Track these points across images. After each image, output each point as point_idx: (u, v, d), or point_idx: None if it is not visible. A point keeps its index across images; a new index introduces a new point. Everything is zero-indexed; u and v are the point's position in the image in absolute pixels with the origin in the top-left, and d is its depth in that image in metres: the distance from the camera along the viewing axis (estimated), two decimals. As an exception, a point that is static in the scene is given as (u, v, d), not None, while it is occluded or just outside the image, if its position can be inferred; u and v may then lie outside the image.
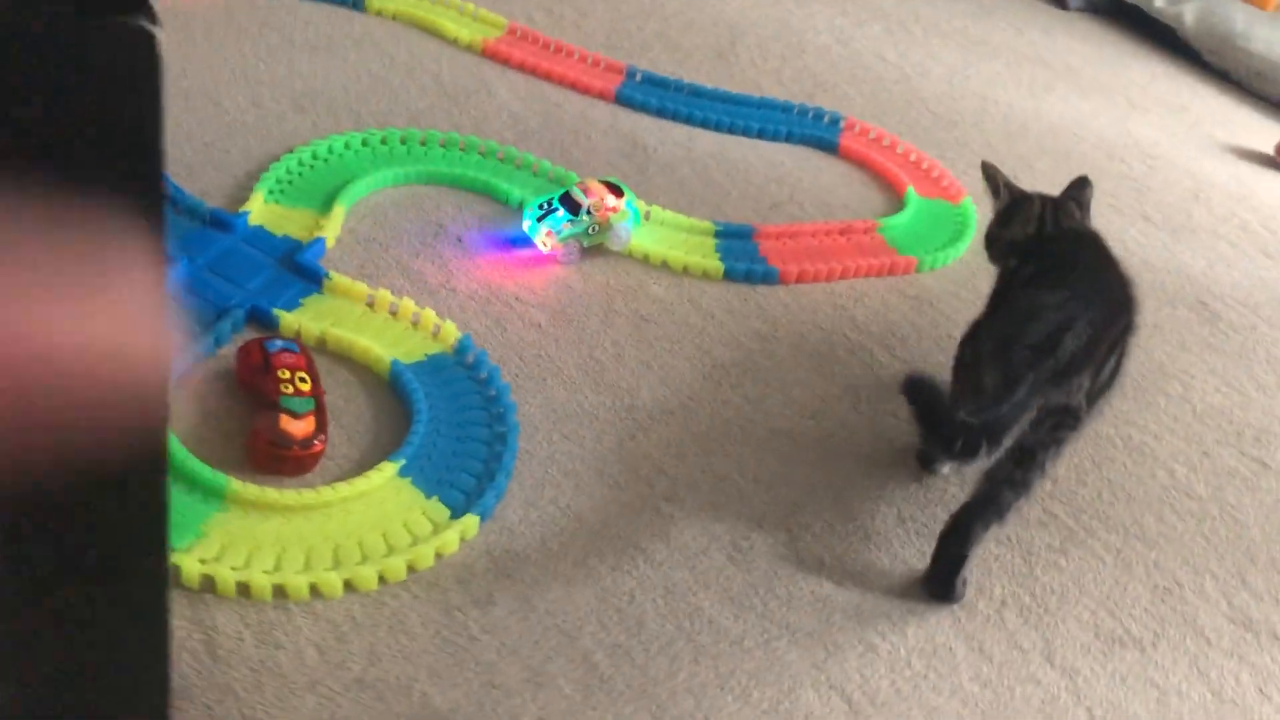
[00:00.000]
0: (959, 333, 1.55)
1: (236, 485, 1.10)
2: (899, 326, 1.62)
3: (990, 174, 1.48)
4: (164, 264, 0.62)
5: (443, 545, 1.11)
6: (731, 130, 1.98)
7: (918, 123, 2.21)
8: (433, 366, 1.31)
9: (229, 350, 1.27)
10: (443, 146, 1.69)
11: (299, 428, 1.15)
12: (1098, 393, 1.27)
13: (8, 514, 0.67)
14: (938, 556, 1.21)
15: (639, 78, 2.03)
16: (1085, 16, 3.12)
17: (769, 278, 1.62)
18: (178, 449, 1.12)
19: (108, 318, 0.55)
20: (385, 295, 1.37)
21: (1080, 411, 1.23)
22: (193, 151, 1.57)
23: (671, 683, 1.06)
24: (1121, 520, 1.38)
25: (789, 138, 2.00)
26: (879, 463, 1.37)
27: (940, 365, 1.52)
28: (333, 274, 1.38)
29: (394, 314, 1.36)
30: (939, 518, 1.29)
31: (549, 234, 1.51)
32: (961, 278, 1.74)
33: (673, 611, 1.12)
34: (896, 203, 1.90)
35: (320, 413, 1.18)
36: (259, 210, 1.46)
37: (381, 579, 1.07)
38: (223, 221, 1.41)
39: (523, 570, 1.12)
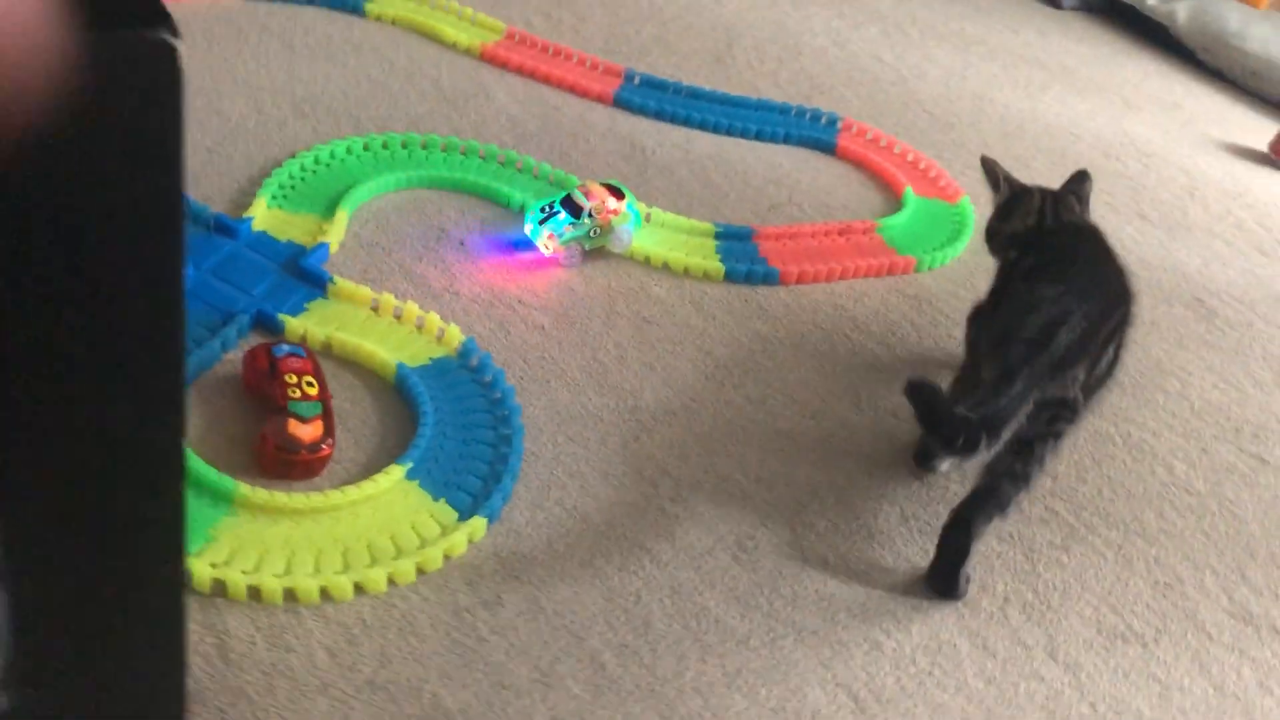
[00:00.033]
0: (959, 332, 1.58)
1: (245, 489, 1.10)
2: (899, 326, 1.63)
3: (990, 168, 1.51)
4: (183, 272, 0.63)
5: (451, 547, 1.12)
6: (730, 132, 1.99)
7: (914, 124, 2.22)
8: (438, 370, 1.31)
9: (235, 355, 1.27)
10: (443, 151, 1.70)
11: (307, 432, 1.15)
12: (1095, 385, 1.29)
13: (26, 520, 0.68)
14: (940, 551, 1.22)
15: (637, 81, 2.04)
16: (1079, 16, 3.13)
17: (769, 278, 1.63)
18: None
19: None
20: (389, 299, 1.38)
21: (1077, 404, 1.25)
22: (195, 157, 1.58)
23: (679, 681, 1.07)
24: (1122, 517, 1.39)
25: (787, 139, 2.01)
26: (881, 462, 1.38)
27: (941, 363, 1.54)
28: (337, 279, 1.39)
29: (398, 318, 1.37)
30: (941, 515, 1.30)
31: (551, 237, 1.52)
32: (960, 277, 1.75)
33: (679, 611, 1.13)
34: (894, 203, 1.91)
35: (328, 417, 1.18)
36: (262, 215, 1.47)
37: (391, 581, 1.08)
38: (227, 227, 1.42)
39: (530, 571, 1.13)
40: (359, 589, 1.07)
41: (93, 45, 0.53)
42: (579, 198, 1.55)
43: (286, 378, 1.20)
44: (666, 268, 1.60)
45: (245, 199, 1.51)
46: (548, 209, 1.54)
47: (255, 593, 1.04)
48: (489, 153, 1.71)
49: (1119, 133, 2.44)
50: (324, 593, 1.05)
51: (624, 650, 1.08)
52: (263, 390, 1.21)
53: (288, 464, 1.15)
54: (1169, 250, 2.02)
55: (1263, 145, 2.53)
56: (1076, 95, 2.59)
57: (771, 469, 1.32)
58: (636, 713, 1.03)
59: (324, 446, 1.16)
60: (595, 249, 1.57)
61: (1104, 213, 2.02)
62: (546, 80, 1.99)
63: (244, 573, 1.05)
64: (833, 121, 2.08)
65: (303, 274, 1.39)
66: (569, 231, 1.53)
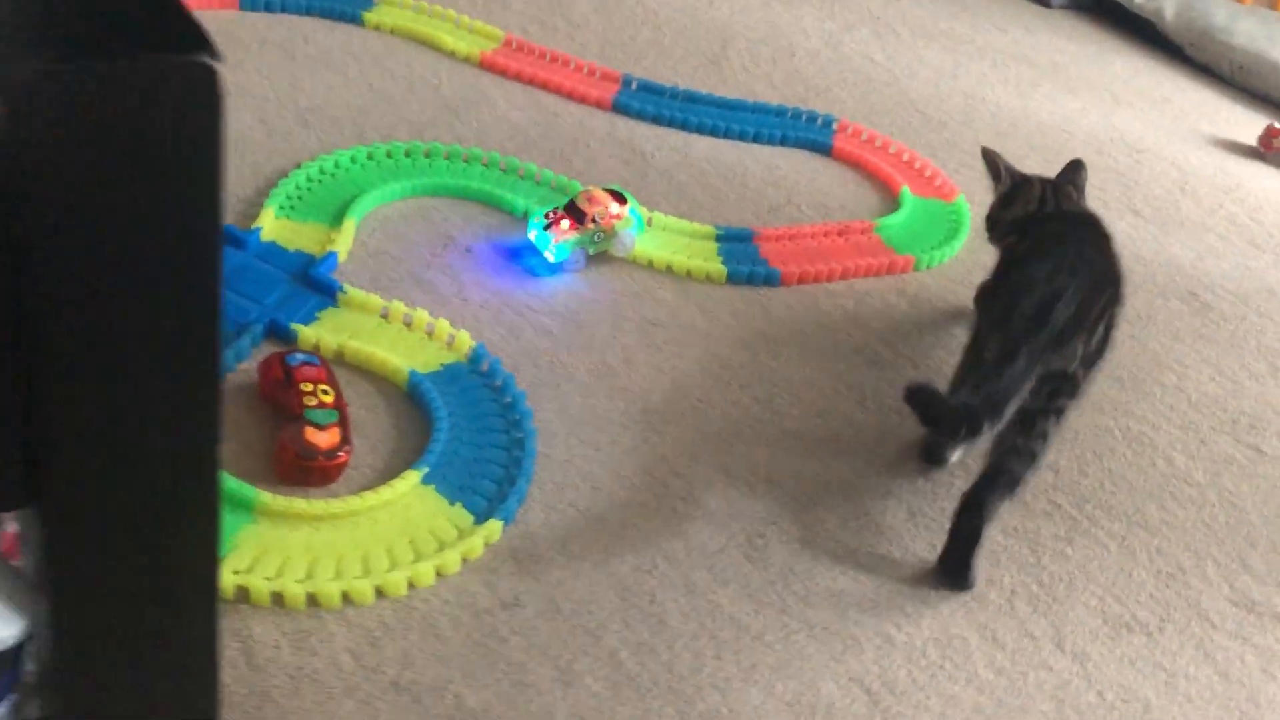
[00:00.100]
0: (959, 329, 1.60)
1: (266, 497, 1.12)
2: (900, 324, 1.65)
3: (991, 159, 1.56)
4: (221, 287, 0.64)
5: (468, 550, 1.13)
6: (727, 135, 2.01)
7: (908, 123, 2.24)
8: (449, 375, 1.33)
9: (249, 365, 1.29)
10: (447, 159, 1.72)
11: (324, 439, 1.17)
12: (1090, 361, 1.32)
13: (68, 529, 0.70)
14: (953, 536, 1.24)
15: (635, 86, 2.06)
16: (1067, 13, 3.16)
17: (771, 279, 1.65)
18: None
19: None
20: (399, 307, 1.39)
21: (1078, 378, 1.29)
22: (202, 169, 1.59)
23: (696, 678, 1.09)
24: (1124, 509, 1.41)
25: (784, 141, 2.03)
26: (887, 459, 1.40)
27: (941, 361, 1.57)
28: (347, 287, 1.41)
29: (409, 325, 1.39)
30: (947, 511, 1.32)
31: (556, 240, 1.54)
32: (959, 274, 1.77)
33: (694, 609, 1.15)
34: (891, 202, 1.94)
35: (344, 424, 1.20)
36: (270, 226, 1.48)
37: (410, 584, 1.10)
38: (236, 238, 1.44)
39: (547, 572, 1.15)
40: (380, 593, 1.09)
41: (136, 69, 0.55)
42: (582, 203, 1.56)
43: (302, 386, 1.21)
44: (670, 271, 1.62)
45: (253, 210, 1.53)
46: (551, 215, 1.56)
47: (278, 598, 1.06)
48: (491, 160, 1.73)
49: (1110, 129, 2.47)
50: (345, 597, 1.07)
51: (641, 648, 1.10)
52: (278, 399, 1.23)
53: (305, 471, 1.17)
54: (1162, 245, 2.04)
55: (1252, 139, 2.55)
56: (1067, 92, 2.62)
57: (780, 468, 1.35)
58: (655, 709, 1.05)
59: (341, 453, 1.18)
60: (599, 254, 1.59)
61: (1097, 208, 2.02)
62: (545, 87, 2.01)
63: (266, 579, 1.06)
64: (828, 123, 2.10)
65: (313, 283, 1.40)
66: (573, 236, 1.55)
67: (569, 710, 1.03)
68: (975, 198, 1.93)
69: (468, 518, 1.17)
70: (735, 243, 1.71)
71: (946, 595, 1.24)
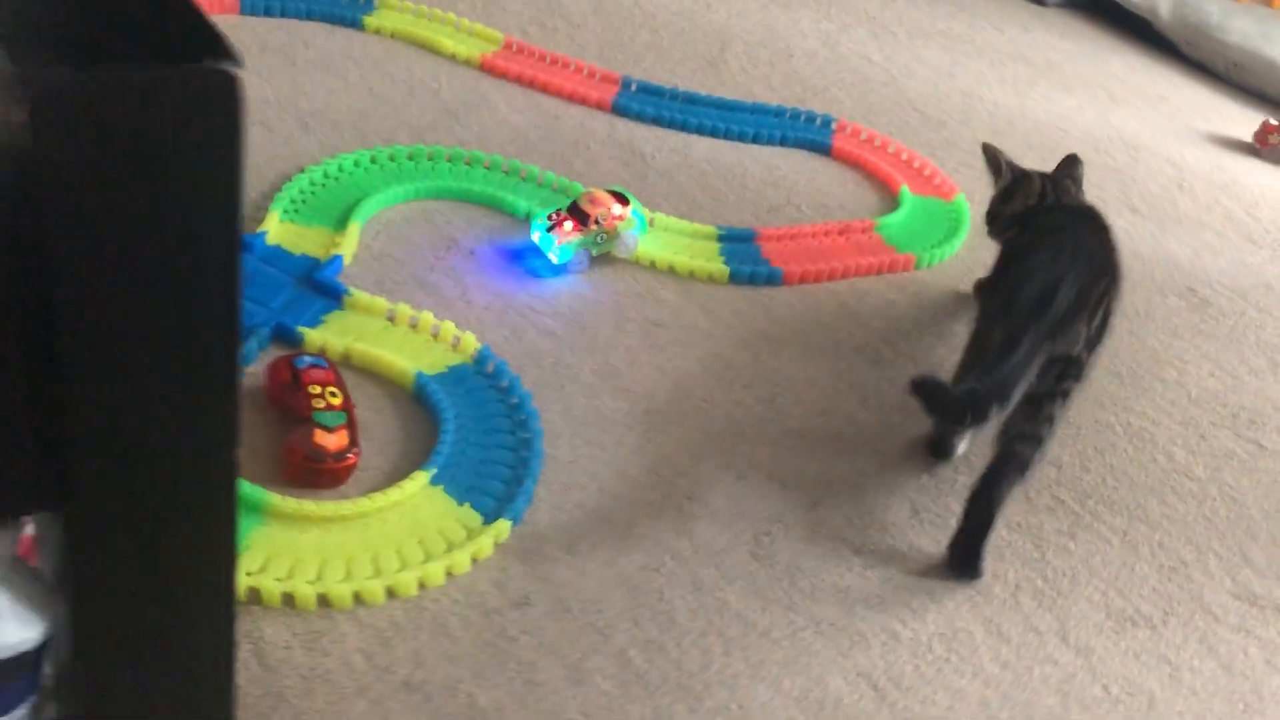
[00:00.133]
0: (960, 327, 1.61)
1: (276, 499, 1.13)
2: (901, 322, 1.66)
3: (991, 155, 1.60)
4: (240, 292, 0.65)
5: (478, 550, 1.14)
6: (727, 136, 2.02)
7: (906, 123, 2.26)
8: (455, 377, 1.34)
9: (256, 369, 1.30)
10: (449, 161, 1.73)
11: (333, 441, 1.18)
12: (1091, 344, 1.35)
13: (84, 532, 0.71)
14: (965, 522, 1.26)
15: (634, 87, 2.07)
16: (1063, 12, 3.17)
17: (773, 279, 1.66)
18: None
19: None
20: (405, 309, 1.40)
21: (1082, 361, 1.31)
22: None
23: (705, 675, 1.10)
24: (1126, 504, 1.42)
25: (783, 141, 2.04)
26: (890, 457, 1.41)
27: (943, 359, 1.58)
28: (353, 290, 1.41)
29: (414, 327, 1.40)
30: (950, 508, 1.34)
31: (560, 242, 1.55)
32: (959, 273, 1.78)
33: (702, 607, 1.16)
34: (891, 201, 1.95)
35: (352, 426, 1.21)
36: (276, 230, 1.49)
37: (421, 585, 1.11)
38: (241, 242, 1.44)
39: (555, 572, 1.16)
40: (390, 593, 1.09)
41: (159, 76, 0.56)
42: (585, 205, 1.57)
43: (310, 389, 1.22)
44: (672, 271, 1.63)
45: (258, 214, 1.53)
46: (554, 217, 1.57)
47: (289, 599, 1.07)
48: (494, 162, 1.74)
49: (1106, 126, 2.48)
50: (356, 597, 1.08)
51: (650, 646, 1.11)
52: (286, 402, 1.23)
53: (315, 473, 1.17)
54: (1160, 242, 2.05)
55: (1247, 136, 2.57)
56: (1063, 90, 2.63)
57: (784, 466, 1.35)
58: (665, 706, 1.06)
59: (350, 455, 1.19)
60: (602, 255, 1.60)
61: (1095, 205, 2.05)
62: (546, 89, 2.01)
63: (278, 580, 1.07)
64: (827, 123, 2.11)
65: (319, 286, 1.41)
66: (576, 237, 1.55)
67: (579, 708, 1.04)
68: (974, 196, 1.95)
69: (476, 518, 1.18)
70: (737, 243, 1.72)
71: (952, 590, 1.25)
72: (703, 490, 1.30)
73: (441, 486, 1.20)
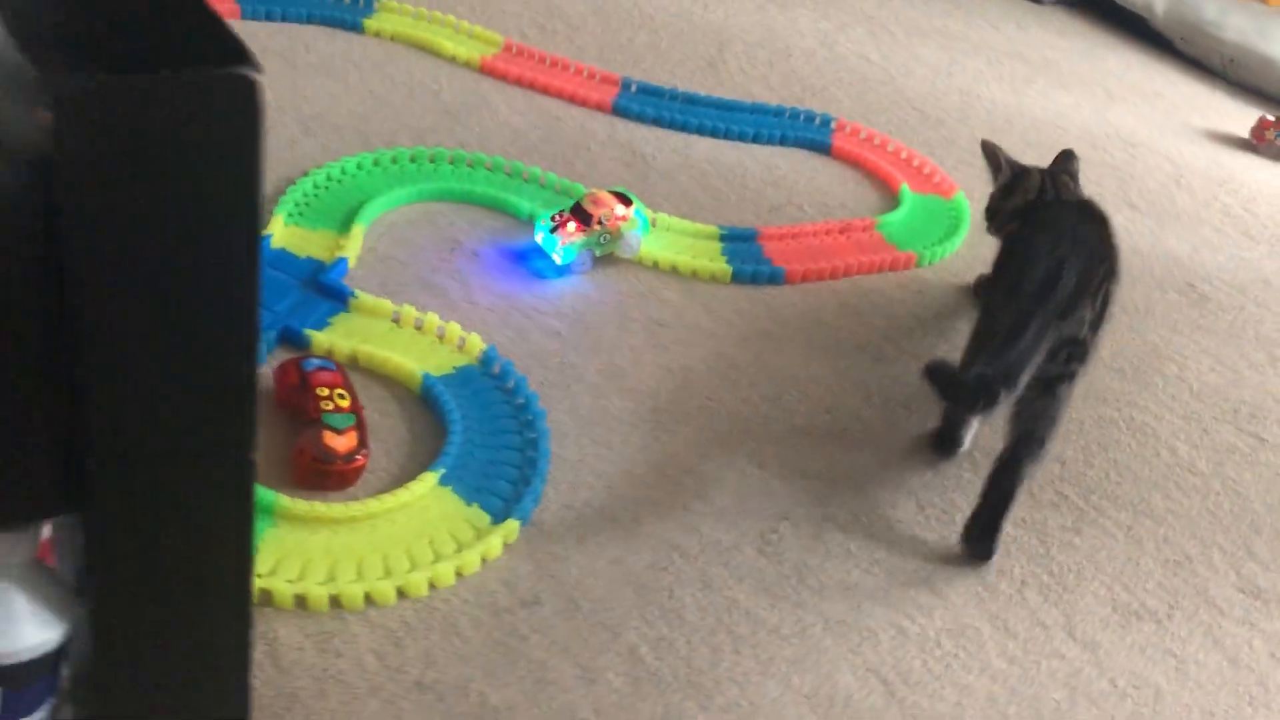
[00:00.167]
0: (962, 324, 1.62)
1: (286, 501, 1.13)
2: (903, 320, 1.67)
3: (991, 151, 1.62)
4: (259, 296, 0.66)
5: (487, 550, 1.15)
6: (727, 136, 2.03)
7: (905, 121, 2.26)
8: (461, 378, 1.35)
9: (264, 372, 1.30)
10: (451, 163, 1.73)
11: (342, 443, 1.19)
12: (1094, 326, 1.36)
13: (105, 535, 0.71)
14: (985, 499, 1.28)
15: (634, 88, 2.07)
16: (1059, 10, 3.18)
17: (775, 278, 1.67)
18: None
19: None
20: (410, 311, 1.41)
21: (1087, 343, 1.33)
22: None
23: (715, 672, 1.10)
24: (1129, 499, 1.43)
25: (783, 141, 2.05)
26: (894, 454, 1.42)
27: (945, 356, 1.57)
28: (358, 292, 1.42)
29: (420, 329, 1.40)
30: (956, 503, 1.34)
31: (563, 243, 1.56)
32: (960, 270, 1.79)
33: (711, 604, 1.17)
34: (891, 200, 1.95)
35: (361, 428, 1.21)
36: (280, 233, 1.50)
37: (431, 585, 1.11)
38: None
39: (565, 571, 1.17)
40: (401, 593, 1.10)
41: (182, 82, 0.56)
42: (588, 206, 1.58)
43: (318, 391, 1.23)
44: (675, 271, 1.64)
45: (262, 217, 1.53)
46: (558, 218, 1.57)
47: (301, 601, 1.07)
48: (496, 164, 1.75)
49: (1104, 123, 2.49)
50: (368, 598, 1.09)
51: (660, 643, 1.12)
52: (294, 404, 1.24)
53: (324, 475, 1.18)
54: (1159, 238, 2.06)
55: (1244, 131, 2.58)
56: (1060, 88, 2.64)
57: (789, 464, 1.36)
58: (676, 703, 1.07)
59: (359, 457, 1.19)
60: (605, 255, 1.60)
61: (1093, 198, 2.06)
62: (546, 91, 2.02)
63: (289, 582, 1.08)
64: (826, 122, 2.12)
65: (324, 289, 1.42)
66: (579, 238, 1.56)
67: (591, 706, 1.05)
68: (974, 194, 1.95)
69: (485, 518, 1.18)
70: (739, 242, 1.72)
71: (958, 586, 1.25)
72: (709, 488, 1.30)
73: (450, 487, 1.20)
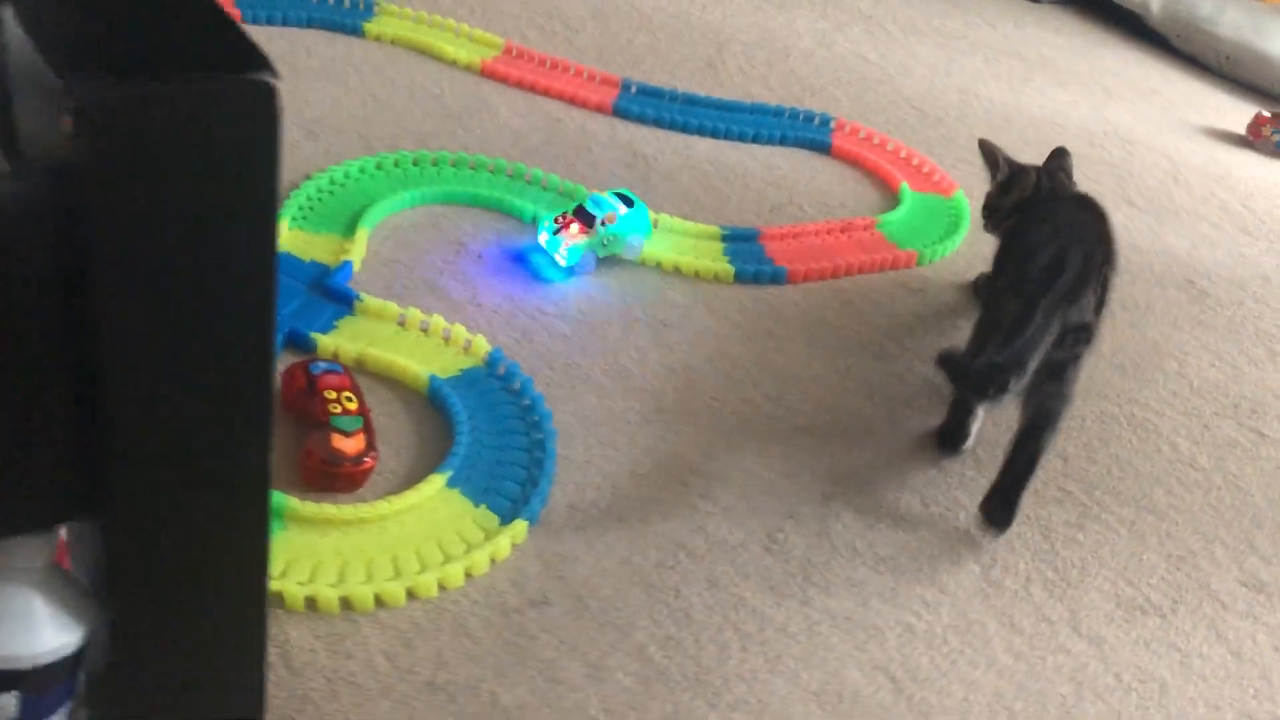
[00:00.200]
0: (964, 322, 1.63)
1: (295, 504, 1.14)
2: (905, 319, 1.68)
3: (988, 149, 1.65)
4: (275, 309, 0.66)
5: (496, 551, 1.15)
6: (727, 136, 2.04)
7: (904, 121, 2.27)
8: (468, 380, 1.35)
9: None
10: (453, 166, 1.74)
11: (350, 445, 1.19)
12: (1097, 310, 1.39)
13: (124, 539, 0.72)
14: (1006, 469, 1.30)
15: (634, 90, 2.08)
16: (1055, 8, 3.19)
17: (778, 278, 1.68)
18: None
19: None
20: (416, 314, 1.41)
21: (1093, 326, 1.35)
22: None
23: (723, 670, 1.11)
24: (1132, 494, 1.44)
25: (783, 141, 2.06)
26: (898, 452, 1.43)
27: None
28: (364, 295, 1.43)
29: (425, 331, 1.41)
30: (960, 501, 1.35)
31: (567, 244, 1.56)
32: (960, 269, 1.80)
33: (718, 603, 1.18)
34: (891, 199, 1.96)
35: (369, 430, 1.22)
36: (285, 237, 1.50)
37: (441, 586, 1.12)
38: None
39: (573, 571, 1.17)
40: (411, 595, 1.10)
41: (202, 88, 0.57)
42: (591, 207, 1.59)
43: (326, 394, 1.23)
44: (678, 272, 1.65)
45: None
46: (561, 219, 1.58)
47: (312, 603, 1.08)
48: (498, 166, 1.75)
49: (1101, 121, 2.50)
50: (378, 600, 1.09)
51: (669, 642, 1.12)
52: (302, 407, 1.24)
53: (332, 477, 1.18)
54: (1158, 235, 2.07)
55: (1240, 128, 2.59)
56: (1058, 86, 2.65)
57: (795, 463, 1.37)
58: (685, 701, 1.07)
59: (367, 459, 1.20)
60: (608, 256, 1.61)
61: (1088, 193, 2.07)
62: (546, 93, 2.03)
63: (300, 584, 1.08)
64: (825, 122, 2.13)
65: (330, 292, 1.42)
66: (582, 239, 1.57)
67: (601, 705, 1.05)
68: (973, 192, 1.96)
69: (493, 519, 1.19)
70: (741, 242, 1.73)
71: (964, 583, 1.26)
72: (715, 488, 1.31)
73: (458, 489, 1.21)
